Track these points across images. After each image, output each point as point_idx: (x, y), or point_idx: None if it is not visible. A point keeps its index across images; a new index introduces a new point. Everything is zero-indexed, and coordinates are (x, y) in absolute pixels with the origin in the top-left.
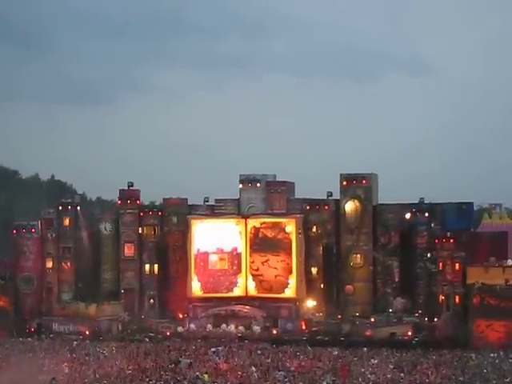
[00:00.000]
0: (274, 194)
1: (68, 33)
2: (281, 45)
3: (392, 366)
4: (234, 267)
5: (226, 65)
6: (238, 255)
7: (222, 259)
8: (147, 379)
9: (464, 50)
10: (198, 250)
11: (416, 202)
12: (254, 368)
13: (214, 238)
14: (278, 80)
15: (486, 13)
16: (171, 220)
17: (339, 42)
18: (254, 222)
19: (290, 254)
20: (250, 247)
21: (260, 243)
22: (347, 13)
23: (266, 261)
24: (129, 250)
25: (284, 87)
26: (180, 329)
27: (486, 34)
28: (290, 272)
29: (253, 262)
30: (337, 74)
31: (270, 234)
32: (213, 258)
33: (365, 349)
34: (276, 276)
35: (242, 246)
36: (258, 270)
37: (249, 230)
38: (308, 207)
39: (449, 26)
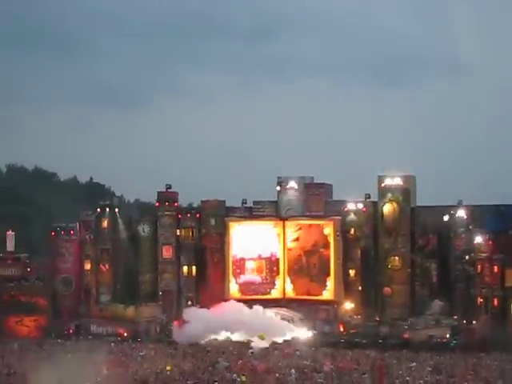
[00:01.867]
0: (311, 196)
1: (104, 35)
2: (315, 47)
3: (430, 369)
4: (273, 273)
5: (260, 67)
6: (276, 261)
7: (259, 267)
8: (186, 381)
9: (502, 51)
10: (235, 255)
11: (454, 204)
12: (293, 370)
13: (251, 241)
14: (313, 82)
15: None
16: (209, 222)
17: (375, 44)
18: (292, 225)
19: (328, 256)
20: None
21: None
22: (383, 14)
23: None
24: (167, 252)
25: (317, 88)
26: None
27: None
28: (328, 274)
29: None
30: (372, 76)
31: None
32: (249, 264)
33: (402, 351)
34: (314, 278)
35: (280, 249)
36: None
37: (287, 233)
38: (346, 209)
39: (487, 27)
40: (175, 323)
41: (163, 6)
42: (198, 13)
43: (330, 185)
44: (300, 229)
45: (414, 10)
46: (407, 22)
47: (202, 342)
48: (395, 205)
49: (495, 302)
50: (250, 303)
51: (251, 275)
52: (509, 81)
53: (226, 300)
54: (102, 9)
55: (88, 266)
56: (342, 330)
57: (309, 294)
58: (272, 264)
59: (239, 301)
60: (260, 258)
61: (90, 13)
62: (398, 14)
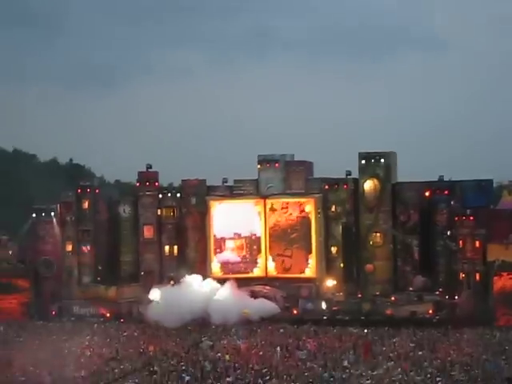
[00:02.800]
0: (292, 173)
1: (80, 15)
2: (292, 23)
3: (413, 345)
4: (254, 252)
5: (235, 43)
6: (257, 239)
7: (239, 246)
8: (169, 360)
9: (482, 25)
10: (215, 235)
11: (435, 179)
12: (278, 348)
13: (232, 220)
14: (291, 59)
15: None
16: (190, 201)
17: (351, 19)
18: (272, 203)
19: (309, 234)
20: (270, 229)
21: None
22: None
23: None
24: (148, 232)
25: (297, 66)
26: None
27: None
28: (310, 252)
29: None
30: (350, 51)
31: (288, 217)
32: (229, 244)
33: (385, 328)
34: (295, 256)
35: (261, 228)
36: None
37: (268, 211)
38: (327, 186)
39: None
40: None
41: None
42: None
43: (311, 162)
44: (281, 207)
45: None
46: None
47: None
48: (376, 181)
49: (477, 276)
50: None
51: (231, 254)
52: (484, 53)
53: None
54: None
55: (69, 248)
56: (324, 307)
57: (291, 272)
58: (252, 242)
59: (222, 280)
60: (240, 236)
61: None
62: None
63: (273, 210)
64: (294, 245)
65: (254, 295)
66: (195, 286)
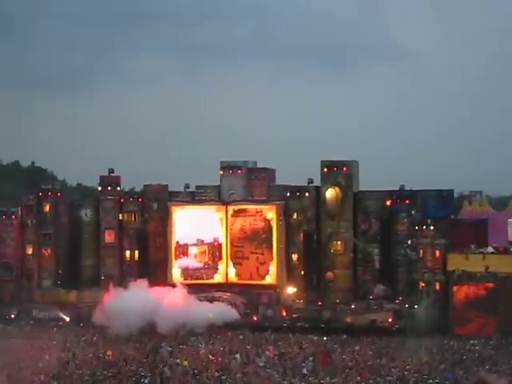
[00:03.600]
0: (254, 180)
1: (42, 19)
2: (255, 29)
3: (372, 353)
4: (216, 258)
5: (199, 51)
6: (219, 246)
7: (202, 252)
8: (128, 366)
9: (439, 36)
10: (178, 242)
11: (397, 188)
12: (238, 355)
13: (194, 226)
14: (253, 65)
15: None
16: (152, 206)
17: (314, 27)
18: (234, 209)
19: (270, 241)
20: (231, 239)
21: (240, 236)
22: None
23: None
24: (109, 237)
25: (260, 73)
26: None
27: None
28: (271, 259)
29: (233, 251)
30: (313, 59)
31: (249, 223)
32: (192, 250)
33: (344, 336)
34: (256, 263)
35: (222, 234)
36: (238, 257)
37: (229, 217)
38: (289, 194)
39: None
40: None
41: None
42: None
43: (273, 169)
44: (243, 214)
45: None
46: (345, 6)
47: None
48: (338, 189)
49: (437, 286)
50: (193, 288)
51: (193, 260)
52: (445, 66)
53: (170, 285)
54: None
55: (30, 251)
56: (284, 314)
57: (251, 279)
58: (215, 249)
59: (182, 286)
60: (203, 243)
61: None
62: None
63: (237, 214)
64: (256, 250)
65: (215, 301)
66: (143, 291)
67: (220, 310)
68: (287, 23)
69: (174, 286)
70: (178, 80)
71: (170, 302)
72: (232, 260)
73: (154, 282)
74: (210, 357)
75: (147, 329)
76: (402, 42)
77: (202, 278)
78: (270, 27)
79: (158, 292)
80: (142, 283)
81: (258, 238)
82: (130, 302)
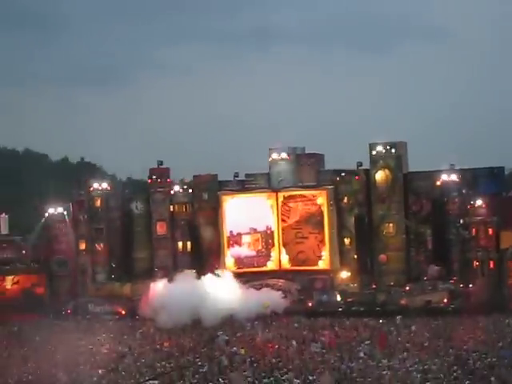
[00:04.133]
0: (303, 166)
1: (83, 15)
2: (292, 17)
3: (428, 334)
4: (269, 246)
5: (238, 37)
6: (272, 233)
7: (255, 240)
8: (185, 356)
9: (479, 15)
10: (231, 231)
11: (446, 168)
12: (294, 341)
13: (246, 214)
14: (295, 52)
15: None
16: (202, 197)
17: (350, 10)
18: (284, 195)
19: (322, 225)
20: (283, 222)
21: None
22: None
23: (300, 233)
24: (161, 229)
25: (301, 60)
26: None
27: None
28: (323, 244)
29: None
30: (353, 43)
31: (300, 209)
32: (246, 239)
33: (398, 318)
34: (310, 248)
35: (274, 221)
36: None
37: (280, 204)
38: (338, 178)
39: None
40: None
41: None
42: None
43: (322, 154)
44: (294, 200)
45: None
46: None
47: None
48: (387, 172)
49: (491, 264)
50: (246, 276)
51: (246, 249)
52: (485, 43)
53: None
54: None
55: (83, 246)
56: (339, 298)
57: (305, 265)
58: (268, 237)
59: (236, 274)
60: (255, 231)
61: None
62: None
63: (287, 200)
64: (307, 237)
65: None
66: (189, 283)
67: (269, 298)
68: (321, 7)
69: (218, 275)
70: (218, 68)
71: (216, 294)
72: (284, 247)
73: (207, 273)
74: (267, 344)
75: (193, 323)
76: (441, 23)
77: (255, 266)
78: (303, 11)
79: (205, 283)
80: (189, 274)
81: (312, 222)
82: (175, 294)
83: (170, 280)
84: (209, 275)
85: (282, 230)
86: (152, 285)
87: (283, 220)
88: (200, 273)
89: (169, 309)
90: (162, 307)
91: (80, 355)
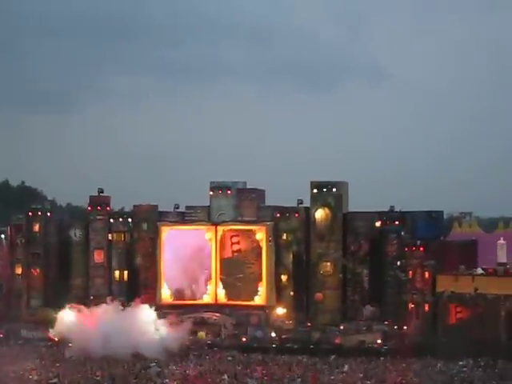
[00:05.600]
0: (244, 201)
1: (29, 37)
2: (239, 51)
3: (361, 374)
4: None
5: (185, 71)
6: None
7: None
8: None
9: (420, 57)
10: (167, 260)
11: (386, 210)
12: (226, 376)
13: (184, 245)
14: (238, 87)
15: (440, 22)
16: (141, 226)
17: (298, 49)
18: (224, 229)
19: (260, 261)
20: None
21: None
22: (306, 21)
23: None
24: (98, 257)
25: (248, 95)
26: None
27: (441, 42)
28: (260, 279)
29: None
30: (299, 81)
31: (239, 244)
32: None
33: (332, 357)
34: (245, 283)
35: (212, 255)
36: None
37: (219, 238)
38: (278, 215)
39: (405, 35)
40: None
41: (83, 9)
42: (120, 15)
43: (263, 190)
44: (233, 234)
45: (337, 16)
46: (330, 27)
47: None
48: (327, 210)
49: (426, 307)
50: (182, 308)
51: (184, 281)
52: (426, 84)
53: (159, 305)
54: (24, 10)
55: (19, 271)
56: (273, 335)
57: (241, 299)
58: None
59: (171, 306)
60: (192, 264)
61: (16, 21)
62: (320, 19)
63: (227, 234)
64: (244, 272)
65: (204, 322)
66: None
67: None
68: (270, 44)
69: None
70: (164, 101)
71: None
72: (221, 281)
73: (143, 303)
74: (199, 377)
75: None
76: (384, 64)
77: (192, 299)
78: (253, 49)
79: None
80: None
81: (248, 259)
82: (110, 323)
83: (105, 309)
84: (144, 306)
85: (220, 263)
86: (87, 313)
87: (221, 254)
88: (134, 302)
89: (103, 337)
90: (97, 335)
91: (10, 381)
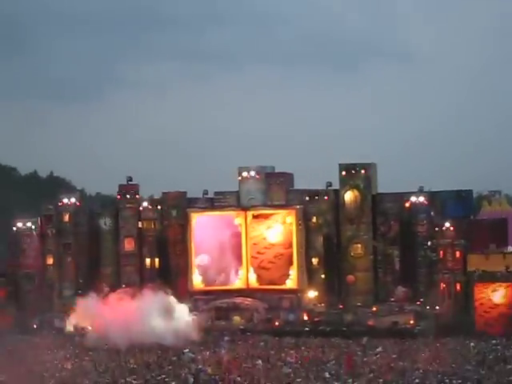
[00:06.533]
0: (273, 185)
1: (53, 31)
2: (264, 35)
3: (395, 355)
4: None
5: (210, 57)
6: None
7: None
8: (150, 373)
9: (451, 37)
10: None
11: (415, 190)
12: (260, 360)
13: (213, 231)
14: (268, 71)
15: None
16: (171, 213)
17: (324, 32)
18: (253, 214)
19: (291, 245)
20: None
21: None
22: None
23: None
24: (129, 245)
25: (274, 79)
26: None
27: (473, 21)
28: (291, 263)
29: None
30: (327, 63)
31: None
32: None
33: (365, 338)
34: (278, 267)
35: (242, 239)
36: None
37: (249, 223)
38: (307, 198)
39: (430, 12)
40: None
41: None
42: (145, 3)
43: (291, 174)
44: (262, 218)
45: None
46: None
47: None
48: (356, 192)
49: (458, 287)
50: (213, 294)
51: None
52: (455, 66)
53: (191, 292)
54: (48, 5)
55: (50, 261)
56: (306, 318)
57: (272, 284)
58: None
59: (203, 292)
60: (223, 249)
61: (37, 11)
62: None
63: (256, 219)
64: (275, 256)
65: (236, 307)
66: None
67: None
68: (294, 27)
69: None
70: (190, 87)
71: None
72: (252, 265)
73: (175, 290)
74: (233, 362)
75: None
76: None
77: (223, 284)
78: (278, 31)
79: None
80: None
81: (279, 243)
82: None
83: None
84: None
85: (251, 248)
86: (116, 301)
87: (252, 238)
88: (168, 290)
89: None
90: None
91: (45, 370)
